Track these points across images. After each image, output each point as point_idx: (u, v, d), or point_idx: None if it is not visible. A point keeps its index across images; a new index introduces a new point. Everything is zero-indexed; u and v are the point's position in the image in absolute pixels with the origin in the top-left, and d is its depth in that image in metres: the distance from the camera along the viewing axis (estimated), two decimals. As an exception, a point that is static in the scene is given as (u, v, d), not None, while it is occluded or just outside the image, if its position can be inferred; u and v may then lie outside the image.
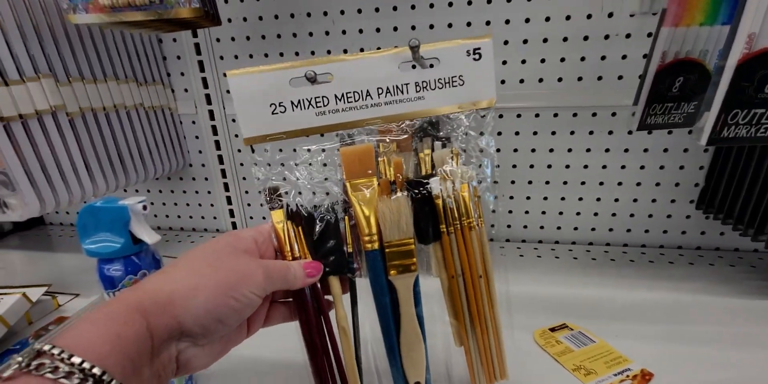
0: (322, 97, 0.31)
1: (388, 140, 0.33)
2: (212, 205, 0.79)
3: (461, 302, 0.33)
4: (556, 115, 0.62)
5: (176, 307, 0.24)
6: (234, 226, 0.80)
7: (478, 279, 0.33)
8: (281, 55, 0.66)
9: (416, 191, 0.32)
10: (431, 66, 0.31)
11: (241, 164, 0.74)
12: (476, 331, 0.33)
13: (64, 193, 0.52)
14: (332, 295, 0.31)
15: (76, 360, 0.19)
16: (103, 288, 0.32)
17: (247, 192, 0.77)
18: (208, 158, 0.75)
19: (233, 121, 0.71)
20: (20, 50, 0.46)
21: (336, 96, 0.31)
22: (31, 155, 0.48)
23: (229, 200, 0.78)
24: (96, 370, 0.19)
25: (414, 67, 0.31)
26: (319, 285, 0.31)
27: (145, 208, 0.32)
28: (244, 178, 0.76)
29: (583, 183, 0.65)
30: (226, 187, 0.77)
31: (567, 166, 0.64)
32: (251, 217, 0.79)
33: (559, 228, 0.68)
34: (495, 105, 0.33)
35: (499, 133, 0.64)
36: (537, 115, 0.62)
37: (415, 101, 0.32)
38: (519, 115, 0.63)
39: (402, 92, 0.32)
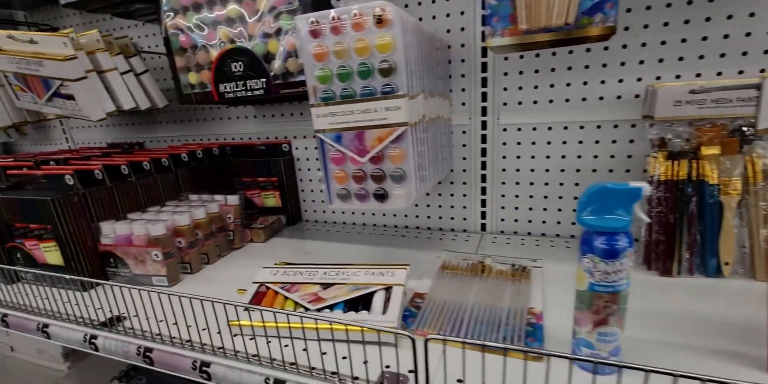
0: None
1: None
2: (464, 207, 0.87)
3: None
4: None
5: None
6: (483, 227, 0.87)
7: None
8: (569, 69, 0.72)
9: None
10: None
11: (503, 170, 0.82)
12: None
13: (420, 186, 0.62)
14: None
15: None
16: (603, 258, 0.38)
17: (503, 196, 0.83)
18: (471, 164, 0.83)
19: (504, 130, 0.79)
20: (417, 73, 0.57)
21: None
22: (416, 154, 0.58)
23: (483, 203, 0.85)
24: None
25: None
26: None
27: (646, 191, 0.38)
28: (503, 183, 0.82)
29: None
30: (483, 191, 0.84)
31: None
32: (502, 219, 0.85)
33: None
34: None
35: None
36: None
37: None
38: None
39: None
